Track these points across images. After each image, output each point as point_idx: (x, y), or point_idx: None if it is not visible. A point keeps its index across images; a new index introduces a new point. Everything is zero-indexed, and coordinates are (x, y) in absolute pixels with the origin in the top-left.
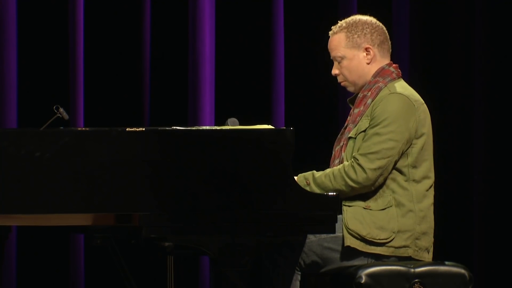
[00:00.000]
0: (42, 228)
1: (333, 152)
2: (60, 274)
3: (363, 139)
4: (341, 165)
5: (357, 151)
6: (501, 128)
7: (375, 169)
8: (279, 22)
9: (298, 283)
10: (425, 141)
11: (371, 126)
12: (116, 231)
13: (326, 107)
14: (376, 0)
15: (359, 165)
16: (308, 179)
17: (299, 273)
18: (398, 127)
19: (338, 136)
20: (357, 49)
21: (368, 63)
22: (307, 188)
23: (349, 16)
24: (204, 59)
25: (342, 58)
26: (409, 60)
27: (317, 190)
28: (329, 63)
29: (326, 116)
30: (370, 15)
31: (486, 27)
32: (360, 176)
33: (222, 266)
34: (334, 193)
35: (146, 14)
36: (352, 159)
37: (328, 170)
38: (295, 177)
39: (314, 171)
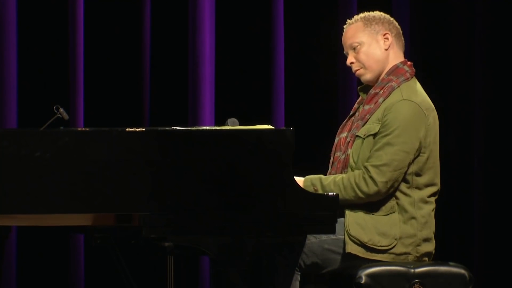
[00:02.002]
0: (42, 228)
1: (337, 139)
2: (60, 274)
3: (373, 145)
4: (351, 174)
5: (368, 161)
6: (501, 128)
7: (386, 182)
8: (279, 22)
9: (298, 283)
10: (432, 149)
11: (383, 135)
12: (116, 231)
13: (326, 107)
14: (376, 0)
15: (371, 177)
16: (316, 185)
17: (299, 273)
18: (409, 138)
19: (344, 123)
20: (375, 35)
21: (386, 49)
22: None
23: (349, 16)
24: (204, 59)
25: (360, 44)
26: (409, 60)
27: None
28: (329, 63)
29: (326, 116)
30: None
31: (486, 26)
32: (372, 189)
33: (222, 266)
34: (334, 194)
35: (146, 14)
36: (364, 170)
37: (337, 178)
38: (301, 180)
39: (322, 176)
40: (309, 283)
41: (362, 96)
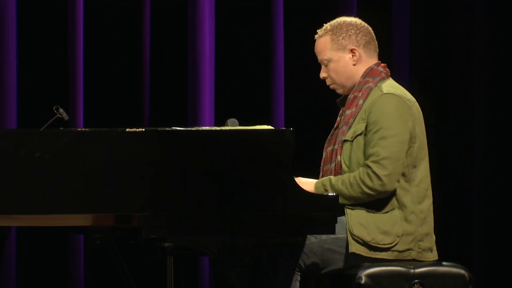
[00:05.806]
0: (42, 228)
1: (325, 154)
2: (60, 274)
3: (364, 143)
4: (356, 172)
5: (367, 159)
6: (500, 128)
7: (389, 175)
8: (279, 22)
9: (298, 283)
10: (421, 139)
11: (374, 131)
12: (115, 231)
13: (326, 107)
14: (376, 0)
15: (374, 172)
16: (326, 186)
17: (299, 273)
18: (401, 128)
19: (329, 137)
20: (342, 51)
21: (354, 65)
22: None
23: (349, 16)
24: (204, 59)
25: (329, 61)
26: (409, 60)
27: None
28: None
29: (326, 116)
30: (355, 17)
31: (486, 26)
32: (377, 183)
33: (222, 266)
34: (334, 194)
35: (146, 14)
36: (365, 167)
37: (344, 177)
38: (313, 183)
39: (331, 177)
40: (309, 283)
41: (342, 108)
